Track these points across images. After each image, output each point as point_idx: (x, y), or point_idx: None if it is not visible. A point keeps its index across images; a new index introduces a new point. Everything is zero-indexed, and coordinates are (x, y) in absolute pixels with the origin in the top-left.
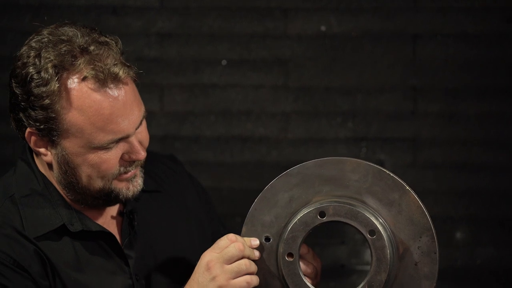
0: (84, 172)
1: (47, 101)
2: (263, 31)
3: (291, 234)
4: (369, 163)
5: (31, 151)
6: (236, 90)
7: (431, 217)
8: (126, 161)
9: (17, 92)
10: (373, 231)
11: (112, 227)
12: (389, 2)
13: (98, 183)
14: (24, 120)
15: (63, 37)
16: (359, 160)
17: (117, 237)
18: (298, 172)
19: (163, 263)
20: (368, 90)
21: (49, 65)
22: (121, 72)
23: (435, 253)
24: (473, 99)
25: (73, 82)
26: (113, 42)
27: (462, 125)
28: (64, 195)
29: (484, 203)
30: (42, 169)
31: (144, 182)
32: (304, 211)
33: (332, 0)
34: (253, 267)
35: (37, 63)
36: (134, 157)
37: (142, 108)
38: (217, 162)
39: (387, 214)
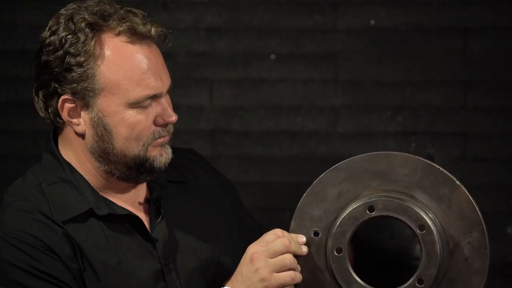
0: (121, 134)
1: (83, 58)
2: (312, 25)
3: (340, 229)
4: (418, 158)
5: (55, 141)
6: (285, 84)
7: (481, 212)
8: (159, 125)
9: (50, 59)
10: (423, 226)
11: (139, 213)
12: None
13: (134, 148)
14: (58, 87)
15: (91, 4)
16: (408, 154)
17: (145, 222)
18: (346, 167)
19: (189, 250)
20: (417, 84)
21: (83, 24)
22: (153, 29)
23: (485, 248)
24: None
25: (108, 38)
26: (134, 9)
27: None
28: (90, 181)
29: None
30: (67, 157)
31: (169, 173)
32: (353, 205)
33: None
34: (297, 263)
35: (70, 25)
36: (167, 119)
37: (169, 77)
38: (266, 156)
39: (436, 209)
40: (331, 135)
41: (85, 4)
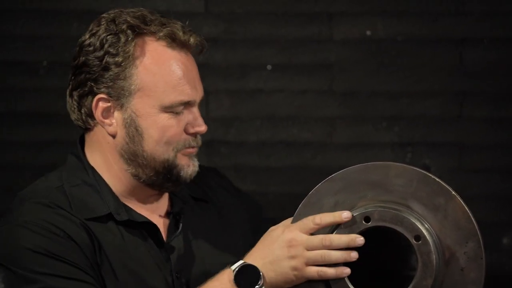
0: (152, 137)
1: (122, 58)
2: (308, 35)
3: None
4: (414, 168)
5: (82, 145)
6: (281, 95)
7: (477, 222)
8: (189, 133)
9: (89, 58)
10: (419, 236)
11: (158, 224)
12: (435, 6)
13: (164, 152)
14: (94, 86)
15: (133, 9)
16: (404, 164)
17: (164, 235)
18: (342, 177)
19: (202, 267)
20: (413, 95)
21: (125, 26)
22: (192, 38)
23: (481, 258)
24: None
25: (149, 41)
26: (174, 19)
27: (509, 129)
28: (114, 186)
29: None
30: (93, 161)
31: (192, 189)
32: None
33: (377, 5)
34: (332, 259)
35: (112, 27)
36: (196, 128)
37: (203, 88)
38: (262, 167)
39: (432, 219)
40: (327, 145)
41: (127, 10)
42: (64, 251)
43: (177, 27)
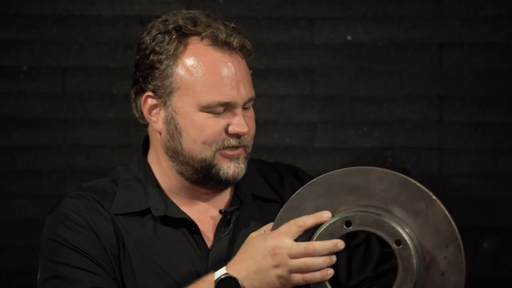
0: (189, 135)
1: (164, 56)
2: (290, 40)
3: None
4: (395, 173)
5: (144, 145)
6: (262, 99)
7: (457, 226)
8: (231, 134)
9: (141, 57)
10: (399, 240)
11: (207, 222)
12: (415, 11)
13: (201, 151)
14: (143, 84)
15: (191, 11)
16: (385, 169)
17: (211, 234)
18: (324, 182)
19: None
20: (394, 99)
21: (172, 25)
22: (235, 41)
23: (461, 263)
24: (500, 109)
25: (192, 41)
26: (228, 23)
27: (489, 134)
28: (163, 182)
29: (511, 212)
30: (150, 158)
31: (259, 188)
32: (330, 220)
33: (358, 9)
34: (316, 266)
35: (162, 27)
36: (237, 129)
37: (253, 91)
38: None
39: (413, 224)
40: (308, 150)
41: (186, 11)
42: (83, 243)
43: (221, 28)
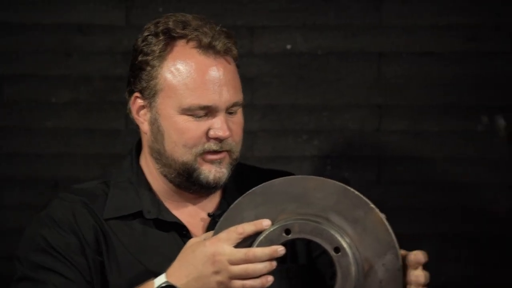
0: (171, 138)
1: (151, 57)
2: None
3: None
4: (334, 181)
5: (137, 147)
6: None
7: (395, 234)
8: (212, 138)
9: (133, 56)
10: (338, 248)
11: (198, 226)
12: (354, 20)
13: (182, 154)
14: (133, 85)
15: (186, 15)
16: (324, 178)
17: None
18: (263, 191)
19: None
20: (333, 108)
21: (161, 27)
22: (220, 45)
23: (399, 270)
24: (438, 117)
25: (179, 43)
26: (231, 34)
27: (427, 142)
28: (154, 185)
29: (449, 220)
30: (141, 160)
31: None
32: (270, 228)
33: (297, 18)
34: (257, 272)
35: (152, 28)
36: (218, 133)
37: (239, 95)
38: None
39: (352, 231)
40: (248, 158)
41: (181, 14)
42: (62, 247)
43: (207, 32)
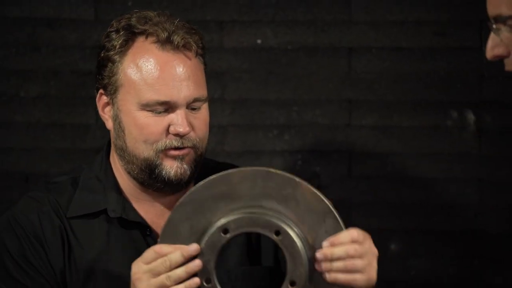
0: (131, 134)
1: (112, 53)
2: None
3: (203, 259)
4: (253, 168)
5: (108, 144)
6: None
7: (329, 200)
8: (172, 134)
9: (97, 53)
10: (278, 231)
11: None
12: (324, 15)
13: (143, 150)
14: (98, 81)
15: (148, 11)
16: (243, 168)
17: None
18: (190, 200)
19: None
20: (303, 103)
21: (123, 24)
22: (177, 40)
23: (342, 229)
24: (407, 112)
25: (138, 39)
26: (194, 30)
27: (396, 137)
28: (121, 183)
29: (418, 215)
30: (111, 158)
31: None
32: (208, 234)
33: (267, 13)
34: (178, 277)
35: (115, 24)
36: (177, 129)
37: (201, 91)
38: None
39: (286, 210)
40: (218, 153)
41: (145, 11)
42: (25, 252)
43: (166, 27)
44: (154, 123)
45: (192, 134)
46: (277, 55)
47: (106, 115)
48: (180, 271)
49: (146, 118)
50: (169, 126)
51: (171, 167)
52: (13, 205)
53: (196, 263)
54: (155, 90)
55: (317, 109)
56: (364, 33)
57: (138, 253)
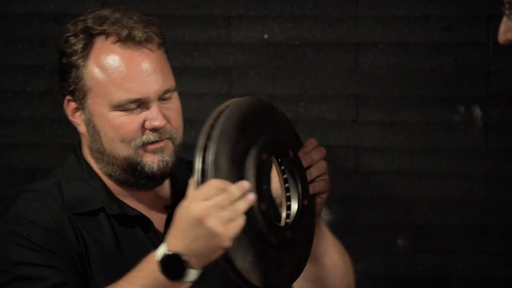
0: (107, 136)
1: (75, 58)
2: (206, 39)
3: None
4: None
5: (81, 143)
6: (179, 98)
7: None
8: (148, 129)
9: (58, 59)
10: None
11: (156, 219)
12: (331, 10)
13: (122, 149)
14: (63, 88)
15: (103, 10)
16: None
17: (161, 230)
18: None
19: None
20: (310, 98)
21: (81, 26)
22: (138, 35)
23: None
24: (414, 108)
25: (99, 40)
26: (152, 21)
27: (403, 133)
28: (106, 182)
29: (425, 210)
30: (88, 158)
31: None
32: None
33: (274, 8)
34: (242, 208)
35: (72, 28)
36: (153, 124)
37: (170, 82)
38: None
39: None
40: None
41: (98, 10)
42: (45, 240)
43: (125, 24)
44: (128, 121)
45: (167, 125)
46: (284, 50)
47: (77, 120)
48: (242, 204)
49: (120, 118)
50: (144, 122)
51: (153, 162)
52: (5, 210)
53: (251, 196)
54: (124, 89)
55: (324, 105)
56: (371, 29)
57: (142, 247)
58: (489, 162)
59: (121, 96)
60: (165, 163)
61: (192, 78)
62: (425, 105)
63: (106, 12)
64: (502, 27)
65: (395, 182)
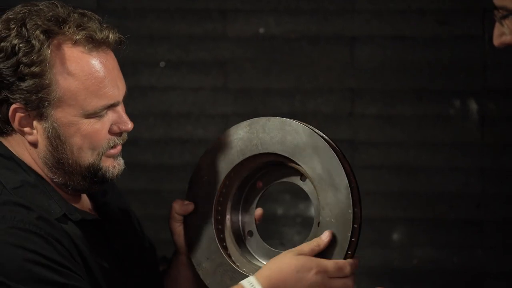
0: (76, 144)
1: (38, 68)
2: (202, 32)
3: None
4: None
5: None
6: (175, 92)
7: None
8: (114, 133)
9: (1, 67)
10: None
11: (104, 218)
12: (327, 4)
13: (88, 157)
14: (10, 97)
15: (43, 7)
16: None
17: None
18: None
19: (138, 254)
20: (306, 92)
21: (38, 31)
22: (110, 35)
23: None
24: (410, 101)
25: (65, 46)
26: (89, 12)
27: (399, 127)
28: (55, 186)
29: (421, 204)
30: (26, 160)
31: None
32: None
33: (270, 2)
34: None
35: (23, 32)
36: (123, 127)
37: (125, 84)
38: (156, 164)
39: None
40: None
41: (36, 8)
42: (56, 255)
43: (93, 26)
44: (101, 127)
45: None
46: (280, 44)
47: (27, 128)
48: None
49: (94, 125)
50: (110, 126)
51: (114, 167)
52: None
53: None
54: (99, 96)
55: (319, 98)
56: (367, 22)
57: (104, 247)
58: (485, 155)
59: (97, 103)
60: (121, 165)
61: (187, 72)
62: (421, 98)
63: (52, 10)
64: (496, 32)
65: (390, 176)
